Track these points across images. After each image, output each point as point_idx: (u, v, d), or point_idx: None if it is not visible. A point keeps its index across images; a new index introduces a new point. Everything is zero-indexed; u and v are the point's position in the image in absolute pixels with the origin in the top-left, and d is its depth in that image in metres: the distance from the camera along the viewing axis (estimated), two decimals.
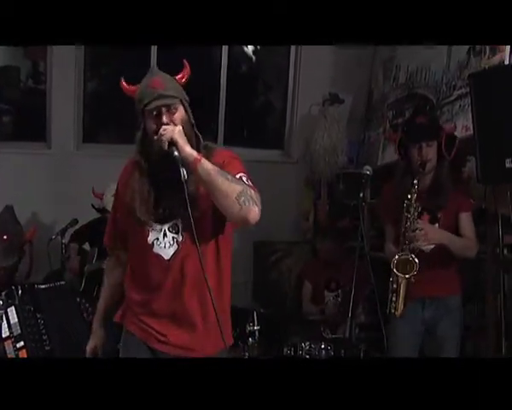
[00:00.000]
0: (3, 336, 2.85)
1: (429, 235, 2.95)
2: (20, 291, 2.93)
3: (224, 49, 5.58)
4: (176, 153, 2.03)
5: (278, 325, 4.16)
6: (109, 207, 4.27)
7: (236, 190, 2.01)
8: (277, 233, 5.27)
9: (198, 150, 2.11)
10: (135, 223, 2.20)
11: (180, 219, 2.16)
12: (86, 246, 4.66)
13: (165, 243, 2.18)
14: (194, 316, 2.19)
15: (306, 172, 5.38)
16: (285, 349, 3.75)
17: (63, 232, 4.49)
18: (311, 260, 5.02)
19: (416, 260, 2.89)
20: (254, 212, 2.02)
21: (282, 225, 5.39)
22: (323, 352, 3.67)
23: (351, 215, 4.96)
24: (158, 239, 2.19)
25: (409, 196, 2.95)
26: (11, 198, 4.50)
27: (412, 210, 2.94)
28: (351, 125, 5.48)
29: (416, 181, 2.95)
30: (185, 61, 2.26)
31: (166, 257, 2.18)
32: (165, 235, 2.19)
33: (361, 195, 2.79)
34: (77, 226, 4.62)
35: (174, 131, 2.06)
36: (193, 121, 2.20)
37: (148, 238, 2.20)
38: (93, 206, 4.52)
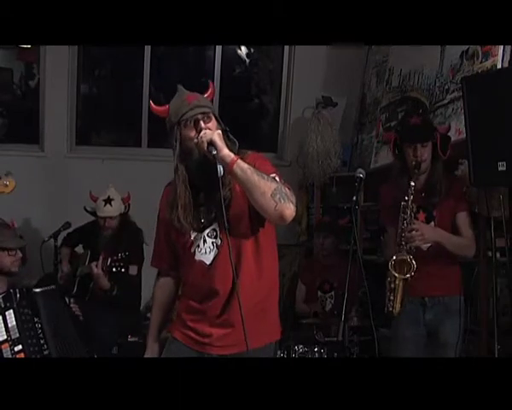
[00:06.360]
0: (1, 339, 2.83)
1: (425, 235, 2.99)
2: (18, 295, 2.90)
3: (218, 52, 5.58)
4: (214, 151, 2.10)
5: None
6: (99, 211, 4.33)
7: (272, 188, 2.08)
8: None
9: (234, 153, 2.17)
10: (179, 235, 2.29)
11: (217, 223, 2.24)
12: (79, 248, 4.65)
13: (205, 248, 2.27)
14: (236, 315, 2.18)
15: (299, 175, 5.37)
16: (278, 352, 3.74)
17: (56, 235, 4.48)
18: (305, 262, 5.04)
19: (414, 262, 2.92)
20: (290, 209, 2.10)
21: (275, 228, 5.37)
22: (317, 355, 3.67)
23: (344, 218, 4.97)
24: (199, 246, 2.27)
25: (405, 198, 2.99)
26: (4, 200, 4.47)
27: (409, 211, 2.99)
28: (344, 129, 5.51)
29: (412, 184, 2.99)
30: (210, 82, 2.42)
31: (207, 262, 2.27)
32: (204, 241, 2.27)
33: (354, 198, 2.79)
34: (70, 230, 4.61)
35: (213, 133, 2.14)
36: (226, 128, 2.31)
37: (192, 248, 2.28)
38: (85, 208, 4.51)
